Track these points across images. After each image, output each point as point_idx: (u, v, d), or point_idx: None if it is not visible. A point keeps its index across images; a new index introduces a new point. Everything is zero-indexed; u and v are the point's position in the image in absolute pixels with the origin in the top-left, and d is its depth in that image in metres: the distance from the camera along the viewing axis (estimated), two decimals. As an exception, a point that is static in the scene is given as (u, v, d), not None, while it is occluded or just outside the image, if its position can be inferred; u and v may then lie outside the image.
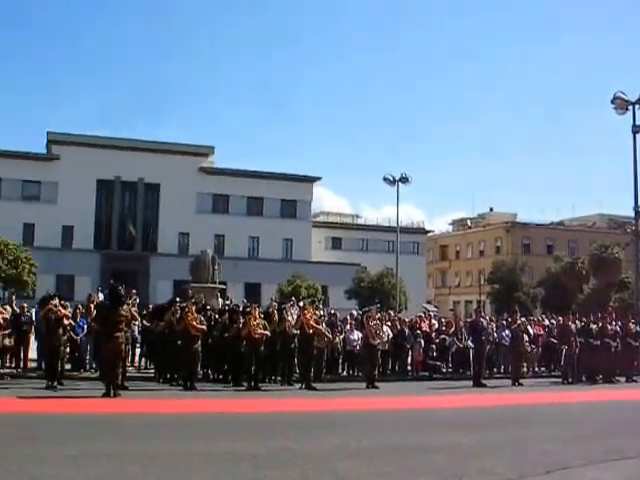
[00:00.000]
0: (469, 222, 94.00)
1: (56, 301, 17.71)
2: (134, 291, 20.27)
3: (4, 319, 18.50)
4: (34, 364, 20.68)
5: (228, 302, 28.66)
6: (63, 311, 17.84)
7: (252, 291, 59.84)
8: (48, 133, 67.94)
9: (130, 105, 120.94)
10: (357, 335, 22.09)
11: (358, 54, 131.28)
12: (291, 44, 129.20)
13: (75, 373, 19.82)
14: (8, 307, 19.99)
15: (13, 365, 20.54)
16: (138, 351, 21.99)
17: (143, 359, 22.07)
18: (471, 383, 21.51)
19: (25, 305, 21.21)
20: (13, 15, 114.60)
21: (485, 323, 23.29)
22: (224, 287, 38.32)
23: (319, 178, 74.23)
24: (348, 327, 22.71)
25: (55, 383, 17.11)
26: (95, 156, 64.70)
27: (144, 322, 20.66)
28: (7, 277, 48.17)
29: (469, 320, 25.63)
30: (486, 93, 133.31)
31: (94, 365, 20.44)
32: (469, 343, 23.31)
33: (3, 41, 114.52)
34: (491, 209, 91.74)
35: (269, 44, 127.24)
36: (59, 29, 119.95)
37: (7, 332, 18.96)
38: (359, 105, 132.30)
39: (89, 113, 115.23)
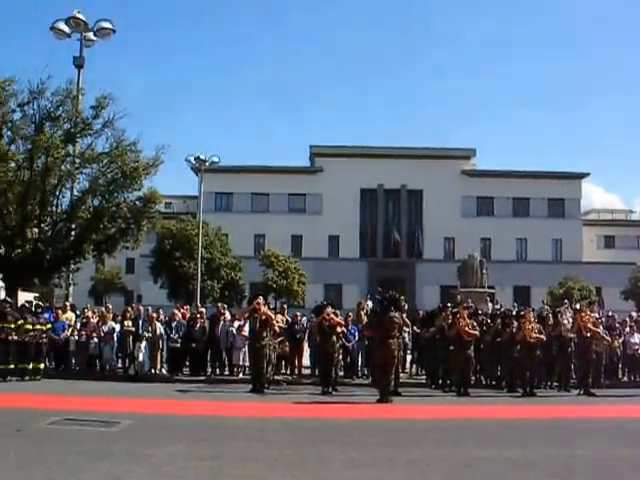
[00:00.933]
0: None
1: (329, 309, 18.13)
2: (402, 297, 20.23)
3: (280, 328, 19.15)
4: (307, 371, 21.30)
5: (497, 306, 28.00)
6: (336, 319, 18.18)
7: (521, 294, 58.54)
8: (311, 147, 70.58)
9: (377, 114, 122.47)
10: (638, 338, 20.89)
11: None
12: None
13: (348, 379, 20.09)
14: (281, 316, 20.68)
15: (288, 372, 21.25)
16: (409, 357, 21.94)
17: (414, 365, 21.97)
18: None
19: (298, 314, 22.02)
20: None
21: None
22: (492, 291, 37.62)
23: (587, 174, 71.10)
24: (628, 330, 21.42)
25: (330, 389, 17.42)
26: (357, 166, 66.34)
27: (414, 328, 20.57)
28: (278, 287, 50.43)
29: None
30: None
31: (366, 371, 20.65)
32: None
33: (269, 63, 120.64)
34: None
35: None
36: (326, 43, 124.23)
37: (280, 339, 19.54)
38: (627, 96, 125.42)
39: (350, 124, 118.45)
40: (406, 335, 20.36)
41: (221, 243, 52.97)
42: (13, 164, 24.76)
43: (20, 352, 18.89)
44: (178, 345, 20.85)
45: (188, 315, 22.09)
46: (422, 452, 9.68)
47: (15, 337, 18.79)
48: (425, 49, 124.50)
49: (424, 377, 20.64)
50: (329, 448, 9.87)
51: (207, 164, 40.14)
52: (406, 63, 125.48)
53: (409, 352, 21.84)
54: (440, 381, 19.26)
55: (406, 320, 17.95)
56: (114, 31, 25.66)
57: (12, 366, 18.72)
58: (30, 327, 19.15)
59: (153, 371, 20.49)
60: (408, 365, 21.94)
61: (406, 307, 19.73)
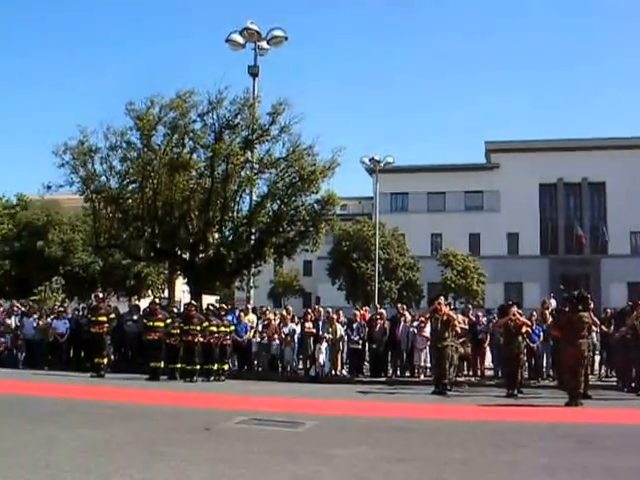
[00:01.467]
0: None
1: (515, 309, 17.74)
2: (588, 295, 19.45)
3: (461, 329, 18.83)
4: (490, 372, 20.81)
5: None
6: (522, 319, 17.70)
7: None
8: (486, 143, 69.46)
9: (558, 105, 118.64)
10: None
11: None
12: None
13: (532, 381, 19.52)
14: (462, 316, 20.32)
15: (470, 373, 20.85)
16: (597, 358, 21.01)
17: (603, 367, 21.04)
18: None
19: (480, 314, 21.61)
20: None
21: None
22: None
23: None
24: None
25: (515, 391, 16.92)
26: (535, 160, 64.62)
27: (602, 327, 19.69)
28: (457, 287, 49.91)
29: None
30: None
31: (551, 373, 19.96)
32: None
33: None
34: None
35: None
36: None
37: (462, 340, 19.19)
38: None
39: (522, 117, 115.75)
40: (594, 335, 19.50)
41: (398, 243, 53.17)
42: (195, 172, 25.70)
43: (205, 353, 19.57)
44: (359, 346, 20.91)
45: (368, 316, 22.11)
46: (622, 460, 9.10)
47: (201, 339, 19.48)
48: (597, 42, 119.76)
49: (614, 379, 19.79)
50: (518, 452, 9.54)
51: (382, 165, 40.23)
52: (577, 53, 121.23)
53: (597, 353, 20.92)
54: (633, 384, 18.30)
55: (595, 319, 17.17)
56: (286, 38, 26.07)
57: (198, 367, 19.38)
58: (215, 329, 19.77)
59: (333, 372, 20.65)
60: (597, 366, 21.01)
61: (592, 305, 18.95)
